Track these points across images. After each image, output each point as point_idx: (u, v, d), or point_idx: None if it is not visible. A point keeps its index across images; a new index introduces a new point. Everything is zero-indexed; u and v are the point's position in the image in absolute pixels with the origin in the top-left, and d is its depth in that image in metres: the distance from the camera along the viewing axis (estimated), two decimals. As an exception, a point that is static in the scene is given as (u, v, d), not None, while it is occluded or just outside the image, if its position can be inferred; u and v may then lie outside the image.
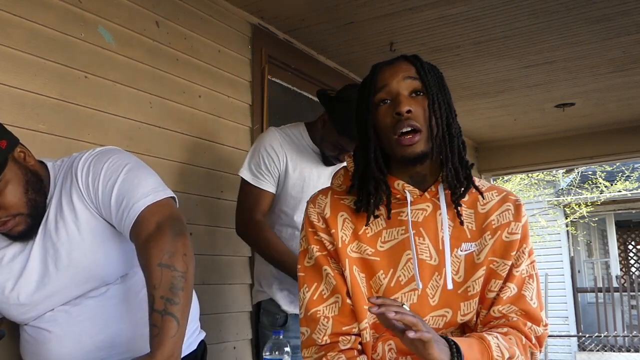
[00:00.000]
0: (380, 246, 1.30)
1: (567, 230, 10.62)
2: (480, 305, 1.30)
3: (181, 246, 1.29)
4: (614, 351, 9.17)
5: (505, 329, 1.26)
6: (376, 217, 1.31)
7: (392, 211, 1.30)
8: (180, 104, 2.46)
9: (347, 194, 1.36)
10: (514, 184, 10.22)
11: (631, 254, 12.17)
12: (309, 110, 3.30)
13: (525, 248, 1.31)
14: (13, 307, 1.41)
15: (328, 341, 1.29)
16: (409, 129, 1.23)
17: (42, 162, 1.47)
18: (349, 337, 1.29)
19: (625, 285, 9.85)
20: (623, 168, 10.36)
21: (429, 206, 1.31)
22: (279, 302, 2.13)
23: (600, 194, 10.18)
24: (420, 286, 1.26)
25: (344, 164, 1.45)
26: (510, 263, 1.29)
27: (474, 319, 1.31)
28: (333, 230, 1.31)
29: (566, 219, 10.49)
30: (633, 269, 11.84)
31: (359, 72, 3.62)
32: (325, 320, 1.29)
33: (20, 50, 1.88)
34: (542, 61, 3.58)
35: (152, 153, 2.30)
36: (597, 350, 9.34)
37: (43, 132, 1.92)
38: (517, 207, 1.33)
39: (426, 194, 1.31)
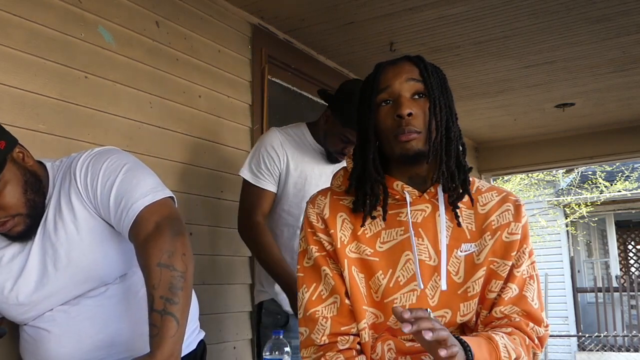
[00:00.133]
0: (380, 246, 1.30)
1: (567, 230, 10.62)
2: (481, 305, 1.30)
3: (180, 246, 1.30)
4: (613, 351, 9.17)
5: (509, 329, 1.26)
6: (373, 217, 1.31)
7: (391, 212, 1.31)
8: (180, 104, 2.46)
9: (346, 195, 1.36)
10: (514, 184, 10.22)
11: (631, 254, 12.16)
12: (309, 110, 3.30)
13: (525, 248, 1.31)
14: (12, 307, 1.41)
15: (327, 341, 1.29)
16: (408, 132, 1.24)
17: (40, 163, 1.47)
18: (347, 337, 1.29)
19: (625, 285, 9.85)
20: (623, 168, 10.36)
21: (428, 207, 1.31)
22: (281, 302, 2.14)
23: (600, 194, 10.18)
24: (422, 286, 1.26)
25: (344, 163, 1.45)
26: (510, 263, 1.29)
27: (474, 319, 1.31)
28: (332, 231, 1.31)
29: (566, 219, 10.49)
30: (633, 269, 11.84)
31: (359, 72, 3.62)
32: (324, 320, 1.29)
33: (20, 50, 1.88)
34: (542, 61, 3.58)
35: (152, 153, 2.30)
36: (597, 350, 9.34)
37: (43, 132, 1.92)
38: (517, 207, 1.33)
39: (425, 194, 1.31)
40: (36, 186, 1.40)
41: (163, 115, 2.38)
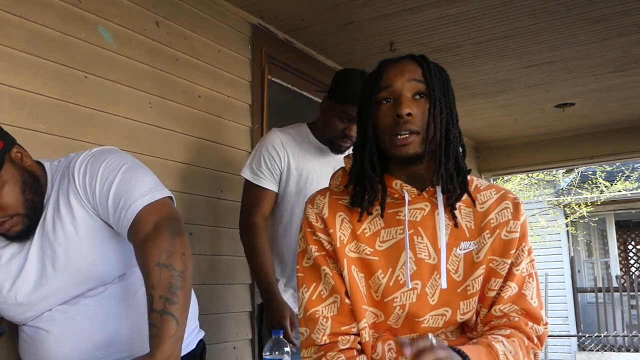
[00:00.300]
0: (379, 246, 1.30)
1: (567, 230, 10.62)
2: (480, 304, 1.30)
3: (179, 246, 1.30)
4: (613, 351, 9.17)
5: (508, 331, 1.26)
6: (370, 213, 1.31)
7: (390, 211, 1.31)
8: (180, 104, 2.46)
9: (345, 194, 1.36)
10: (514, 184, 10.22)
11: (631, 254, 12.16)
12: (309, 110, 3.30)
13: (524, 246, 1.31)
14: (11, 307, 1.41)
15: (327, 341, 1.29)
16: (407, 132, 1.24)
17: (39, 163, 1.47)
18: (348, 337, 1.29)
19: (625, 285, 9.85)
20: (623, 168, 10.36)
21: (427, 205, 1.31)
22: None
23: (600, 194, 10.18)
24: (410, 286, 1.26)
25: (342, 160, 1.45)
26: (509, 262, 1.29)
27: (474, 317, 1.31)
28: (331, 230, 1.32)
29: (566, 219, 10.49)
30: (633, 269, 11.84)
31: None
32: (324, 320, 1.29)
33: (20, 50, 1.88)
34: (542, 61, 3.59)
35: (152, 153, 2.31)
36: (597, 350, 9.34)
37: (43, 132, 1.92)
38: (516, 205, 1.33)
39: (424, 193, 1.31)
40: (34, 186, 1.40)
41: (163, 115, 2.38)
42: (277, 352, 1.52)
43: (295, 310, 2.11)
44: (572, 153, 5.44)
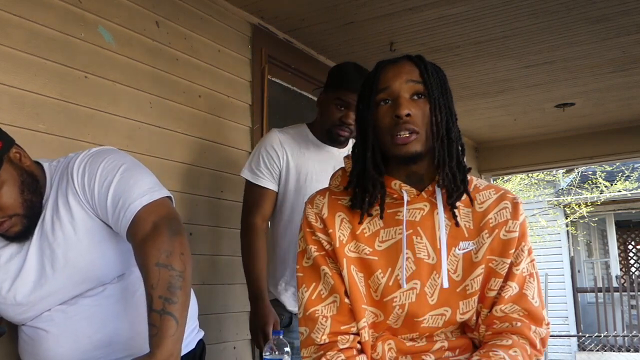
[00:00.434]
0: (378, 245, 1.30)
1: (567, 230, 10.62)
2: (481, 304, 1.30)
3: (178, 245, 1.30)
4: (613, 351, 9.17)
5: (509, 341, 1.25)
6: (370, 215, 1.31)
7: (390, 211, 1.31)
8: (180, 104, 2.46)
9: (345, 194, 1.36)
10: (514, 184, 10.22)
11: (631, 254, 12.16)
12: (309, 110, 3.29)
13: (524, 246, 1.31)
14: (10, 307, 1.41)
15: (327, 340, 1.29)
16: (407, 132, 1.24)
17: (38, 163, 1.47)
18: (347, 337, 1.29)
19: (625, 285, 9.85)
20: (623, 168, 10.35)
21: (426, 205, 1.31)
22: (284, 302, 2.14)
23: (600, 194, 10.18)
24: (405, 287, 1.27)
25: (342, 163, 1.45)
26: (509, 261, 1.29)
27: (474, 317, 1.31)
28: (331, 230, 1.32)
29: (566, 219, 10.48)
30: (633, 269, 11.84)
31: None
32: (324, 319, 1.30)
33: (20, 50, 1.88)
34: (542, 61, 3.58)
35: (152, 153, 2.31)
36: (597, 350, 9.34)
37: (43, 132, 1.92)
38: (515, 205, 1.33)
39: (423, 193, 1.31)
40: (33, 186, 1.40)
41: (163, 115, 2.38)
42: (277, 352, 1.52)
43: (295, 310, 2.11)
44: (572, 153, 5.44)
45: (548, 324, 1.32)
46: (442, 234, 1.29)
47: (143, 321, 1.25)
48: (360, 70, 2.12)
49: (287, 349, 1.54)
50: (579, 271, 10.92)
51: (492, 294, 1.29)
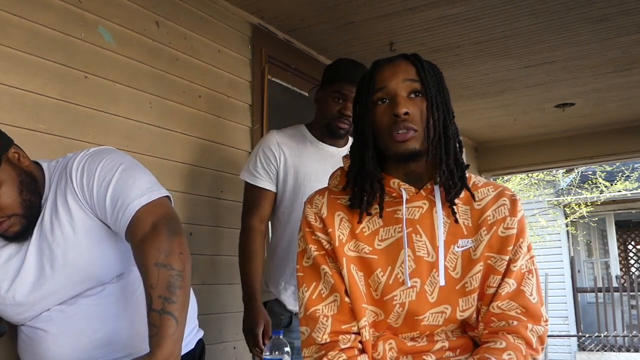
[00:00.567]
0: (378, 244, 1.30)
1: (567, 230, 10.62)
2: (480, 301, 1.30)
3: (177, 245, 1.30)
4: (613, 351, 9.17)
5: (503, 344, 1.25)
6: (369, 214, 1.31)
7: (389, 209, 1.31)
8: (180, 104, 2.46)
9: (344, 194, 1.36)
10: (514, 184, 10.21)
11: (631, 254, 12.16)
12: (309, 110, 3.28)
13: (522, 243, 1.31)
14: (9, 307, 1.42)
15: (328, 340, 1.29)
16: (405, 130, 1.24)
17: (36, 163, 1.47)
18: (348, 336, 1.29)
19: (625, 285, 9.85)
20: (623, 168, 10.35)
21: (425, 203, 1.31)
22: (285, 301, 2.14)
23: (600, 194, 10.18)
24: (409, 284, 1.27)
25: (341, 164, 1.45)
26: (507, 258, 1.29)
27: (474, 315, 1.31)
28: (330, 230, 1.32)
29: (566, 219, 10.48)
30: (633, 269, 11.84)
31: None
32: (325, 319, 1.30)
33: (20, 50, 1.88)
34: (542, 61, 3.58)
35: (152, 153, 2.31)
36: (597, 350, 9.34)
37: (43, 132, 1.92)
38: (513, 202, 1.33)
39: (422, 191, 1.32)
40: (32, 186, 1.40)
41: (163, 115, 2.38)
42: (277, 352, 1.52)
43: (296, 310, 2.12)
44: (572, 153, 5.44)
45: (546, 321, 1.32)
46: (441, 232, 1.29)
47: (142, 321, 1.25)
48: (353, 63, 2.17)
49: (287, 349, 1.54)
50: (579, 271, 10.92)
51: (491, 291, 1.29)
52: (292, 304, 2.13)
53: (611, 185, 10.18)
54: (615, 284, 9.79)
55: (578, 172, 10.62)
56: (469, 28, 3.06)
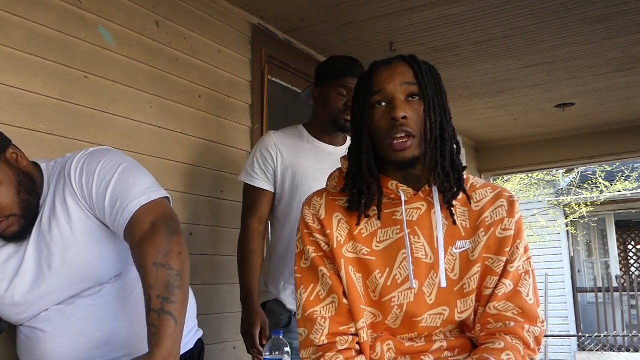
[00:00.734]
0: (376, 246, 1.31)
1: (567, 230, 10.61)
2: (478, 303, 1.31)
3: (176, 245, 1.30)
4: (613, 351, 9.17)
5: (502, 344, 1.25)
6: (367, 216, 1.32)
7: (387, 211, 1.31)
8: (180, 104, 2.46)
9: (342, 195, 1.36)
10: (514, 184, 10.22)
11: (631, 254, 12.16)
12: (309, 110, 3.29)
13: (519, 244, 1.31)
14: (8, 307, 1.42)
15: (325, 341, 1.29)
16: (404, 134, 1.24)
17: (35, 164, 1.47)
18: (346, 338, 1.29)
19: (625, 285, 9.85)
20: (623, 168, 10.35)
21: (423, 205, 1.31)
22: (284, 301, 2.15)
23: (600, 194, 10.18)
24: (415, 286, 1.27)
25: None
26: (504, 259, 1.29)
27: (472, 316, 1.31)
28: (328, 231, 1.32)
29: (566, 219, 10.48)
30: (633, 269, 11.84)
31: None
32: (323, 320, 1.30)
33: (20, 50, 1.88)
34: (542, 61, 3.59)
35: (152, 153, 2.31)
36: (597, 350, 9.34)
37: (43, 132, 1.92)
38: (511, 203, 1.33)
39: (420, 193, 1.32)
40: (30, 187, 1.40)
41: (163, 115, 2.38)
42: (277, 352, 1.52)
43: (295, 308, 2.12)
44: (572, 153, 5.44)
45: (543, 322, 1.32)
46: (440, 234, 1.29)
47: (141, 320, 1.25)
48: (350, 58, 2.24)
49: (287, 349, 1.54)
50: (579, 271, 10.92)
51: (488, 292, 1.29)
52: (291, 304, 2.13)
53: (611, 185, 10.18)
54: (615, 284, 9.79)
55: (578, 172, 10.62)
56: (469, 28, 3.06)
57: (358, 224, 1.31)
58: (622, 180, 10.15)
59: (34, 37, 1.92)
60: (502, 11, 2.88)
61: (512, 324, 1.27)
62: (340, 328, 1.29)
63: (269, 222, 2.29)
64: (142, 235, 1.30)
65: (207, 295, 2.49)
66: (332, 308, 1.30)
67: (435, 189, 1.31)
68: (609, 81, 3.99)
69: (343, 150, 2.23)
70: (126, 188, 1.36)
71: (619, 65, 3.69)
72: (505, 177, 9.41)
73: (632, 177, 10.16)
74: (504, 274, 1.29)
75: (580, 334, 9.81)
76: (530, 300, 1.29)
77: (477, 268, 1.29)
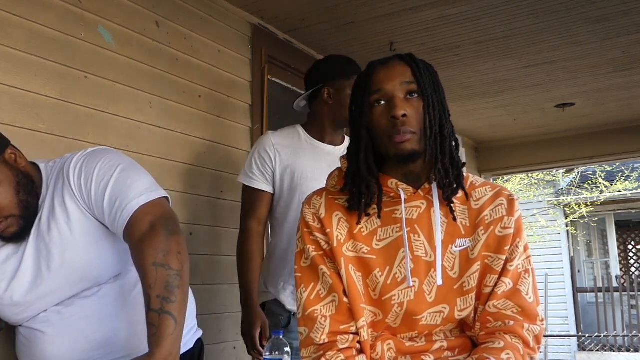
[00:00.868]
0: (376, 244, 1.31)
1: (567, 230, 10.62)
2: (478, 301, 1.31)
3: (175, 245, 1.30)
4: (613, 351, 9.17)
5: (501, 343, 1.25)
6: (368, 215, 1.32)
7: (387, 209, 1.31)
8: (180, 104, 2.46)
9: (341, 194, 1.36)
10: (514, 184, 10.22)
11: (631, 254, 12.16)
12: (309, 110, 3.29)
13: (519, 242, 1.31)
14: (7, 307, 1.42)
15: (326, 340, 1.29)
16: (404, 132, 1.25)
17: (34, 164, 1.47)
18: (347, 336, 1.29)
19: (625, 285, 9.85)
20: (623, 168, 10.35)
21: (423, 203, 1.32)
22: (284, 301, 2.15)
23: (600, 194, 10.18)
24: (412, 284, 1.27)
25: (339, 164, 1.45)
26: (504, 258, 1.29)
27: (472, 315, 1.31)
28: (328, 230, 1.32)
29: (566, 219, 10.48)
30: (633, 269, 11.84)
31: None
32: (323, 319, 1.30)
33: (20, 50, 1.88)
34: (542, 61, 3.59)
35: (152, 153, 2.31)
36: (597, 350, 9.34)
37: (43, 132, 1.92)
38: (510, 202, 1.34)
39: (420, 191, 1.32)
40: (29, 187, 1.40)
41: (163, 115, 2.38)
42: (277, 352, 1.52)
43: (295, 309, 2.12)
44: (572, 153, 5.44)
45: (543, 320, 1.32)
46: (438, 232, 1.29)
47: (141, 321, 1.25)
48: (349, 58, 2.31)
49: (287, 349, 1.54)
50: (579, 271, 10.92)
51: (488, 290, 1.30)
52: (291, 304, 2.13)
53: (611, 185, 10.18)
54: (615, 284, 9.79)
55: (578, 172, 10.62)
56: (469, 28, 3.06)
57: (358, 223, 1.31)
58: (622, 180, 10.15)
59: (34, 37, 1.92)
60: (502, 11, 2.88)
61: (512, 322, 1.27)
62: (341, 327, 1.29)
63: (268, 223, 2.29)
64: (141, 235, 1.30)
65: (207, 295, 2.49)
66: (332, 307, 1.30)
67: (434, 187, 1.31)
68: (609, 81, 3.99)
69: (341, 149, 2.23)
70: (125, 188, 1.36)
71: (619, 65, 3.69)
72: (505, 177, 9.41)
73: (632, 177, 10.16)
74: (503, 272, 1.29)
75: (580, 334, 9.82)
76: (529, 298, 1.30)
77: (476, 266, 1.29)
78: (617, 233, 11.22)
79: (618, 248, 11.40)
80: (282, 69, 3.14)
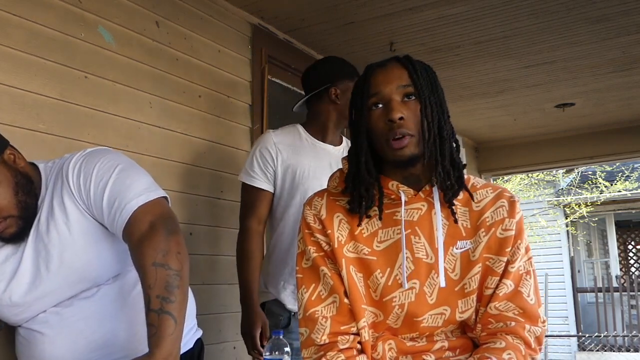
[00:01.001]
0: (377, 246, 1.31)
1: (567, 230, 10.62)
2: (479, 303, 1.31)
3: (175, 245, 1.30)
4: (613, 351, 9.17)
5: (503, 344, 1.25)
6: (368, 217, 1.32)
7: (388, 211, 1.31)
8: (180, 104, 2.46)
9: (342, 195, 1.36)
10: (514, 184, 10.22)
11: (631, 254, 12.16)
12: (308, 110, 3.29)
13: (520, 244, 1.31)
14: (6, 308, 1.41)
15: (327, 341, 1.29)
16: (401, 136, 1.25)
17: (33, 164, 1.47)
18: (347, 337, 1.29)
19: (625, 285, 9.85)
20: (623, 168, 10.35)
21: (423, 205, 1.32)
22: (284, 301, 2.14)
23: (600, 194, 10.18)
24: (406, 286, 1.27)
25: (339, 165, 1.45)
26: (505, 259, 1.29)
27: (473, 316, 1.31)
28: (329, 231, 1.32)
29: (566, 219, 10.48)
30: (633, 269, 11.84)
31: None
32: (324, 320, 1.30)
33: (20, 50, 1.88)
34: (542, 61, 3.59)
35: (152, 153, 2.31)
36: (597, 350, 9.34)
37: (43, 132, 1.92)
38: (512, 203, 1.34)
39: (420, 193, 1.32)
40: (27, 188, 1.40)
41: (163, 115, 2.38)
42: (277, 352, 1.52)
43: (295, 309, 2.12)
44: (572, 153, 5.44)
45: (544, 321, 1.32)
46: (439, 234, 1.29)
47: (140, 321, 1.25)
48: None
49: (287, 349, 1.54)
50: (579, 271, 10.92)
51: (489, 292, 1.30)
52: (291, 303, 2.13)
53: (611, 185, 10.18)
54: (615, 284, 9.79)
55: (578, 172, 10.62)
56: (469, 28, 3.06)
57: (359, 225, 1.32)
58: (622, 180, 10.16)
59: (34, 37, 1.92)
60: (502, 11, 2.88)
61: (513, 323, 1.27)
62: (342, 327, 1.30)
63: (268, 222, 2.29)
64: (140, 235, 1.30)
65: (207, 295, 2.49)
66: (333, 307, 1.31)
67: (435, 189, 1.31)
68: (609, 81, 3.99)
69: (341, 149, 2.23)
70: (124, 188, 1.36)
71: (619, 65, 3.69)
72: (505, 177, 9.41)
73: (632, 177, 10.16)
74: (504, 274, 1.29)
75: (580, 334, 9.82)
76: (531, 300, 1.30)
77: (477, 268, 1.29)
78: (617, 233, 11.22)
79: (618, 248, 11.40)
80: (282, 69, 3.14)
